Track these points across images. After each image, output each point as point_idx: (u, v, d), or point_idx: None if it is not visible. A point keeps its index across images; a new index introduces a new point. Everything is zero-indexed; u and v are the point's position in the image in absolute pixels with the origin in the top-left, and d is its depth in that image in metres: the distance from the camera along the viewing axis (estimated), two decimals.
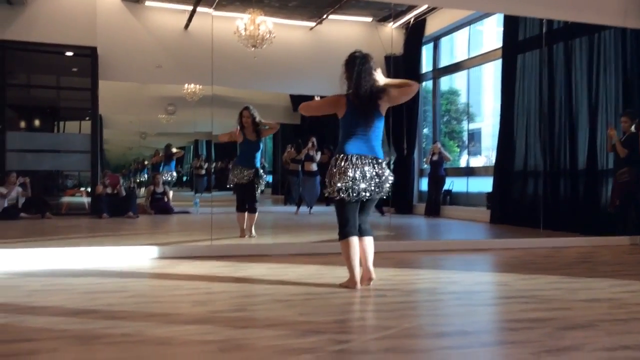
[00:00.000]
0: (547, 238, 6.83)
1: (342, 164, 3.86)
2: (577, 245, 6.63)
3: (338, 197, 3.87)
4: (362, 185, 3.85)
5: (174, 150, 10.53)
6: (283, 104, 10.17)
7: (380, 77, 3.97)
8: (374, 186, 3.89)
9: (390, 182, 3.97)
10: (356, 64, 3.90)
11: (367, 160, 3.88)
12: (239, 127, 6.64)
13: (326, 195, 3.97)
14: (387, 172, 3.97)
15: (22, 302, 3.44)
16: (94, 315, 3.13)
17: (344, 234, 3.93)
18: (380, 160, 3.94)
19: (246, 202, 6.63)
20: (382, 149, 4.01)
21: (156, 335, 2.74)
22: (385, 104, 3.98)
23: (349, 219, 3.93)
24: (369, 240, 4.00)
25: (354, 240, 3.91)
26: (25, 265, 4.81)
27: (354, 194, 3.85)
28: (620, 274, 4.80)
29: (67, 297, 3.60)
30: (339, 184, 3.84)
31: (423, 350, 2.64)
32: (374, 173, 3.89)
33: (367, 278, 3.97)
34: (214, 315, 3.17)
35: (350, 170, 3.83)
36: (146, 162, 10.71)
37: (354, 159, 3.86)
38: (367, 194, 3.89)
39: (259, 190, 6.69)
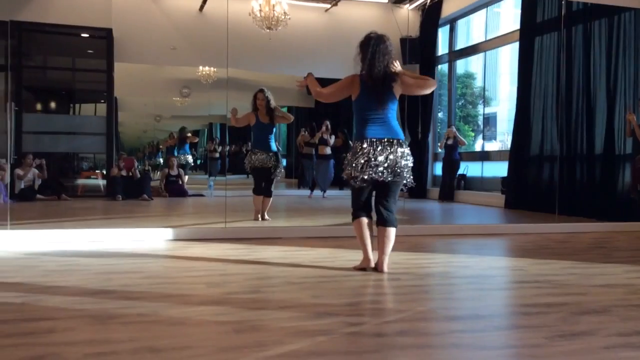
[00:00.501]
0: (562, 223, 6.78)
1: (364, 147, 3.83)
2: (592, 231, 6.59)
3: (354, 183, 3.87)
4: (380, 169, 3.82)
5: (189, 134, 10.55)
6: (298, 87, 10.12)
7: (398, 68, 3.93)
8: (394, 170, 3.85)
9: (409, 166, 3.92)
10: (370, 45, 3.87)
11: (386, 143, 3.85)
12: (252, 109, 6.64)
13: (344, 178, 3.95)
14: (408, 156, 3.91)
15: (39, 282, 3.49)
16: (109, 295, 3.17)
17: (354, 215, 3.97)
18: (401, 142, 3.90)
19: (265, 186, 6.64)
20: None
21: (171, 316, 2.77)
22: (399, 88, 3.94)
23: (360, 200, 3.94)
24: (390, 232, 3.93)
25: (363, 220, 3.93)
26: (41, 245, 4.87)
27: (371, 177, 3.83)
28: (636, 259, 4.76)
29: (83, 277, 3.65)
30: (358, 169, 3.82)
31: (436, 333, 2.64)
32: (394, 156, 3.83)
33: (379, 269, 3.93)
34: (229, 297, 3.19)
35: (371, 155, 3.81)
36: (160, 146, 10.75)
37: (375, 143, 3.83)
38: (387, 179, 3.85)
39: (278, 176, 6.71)
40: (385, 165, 3.81)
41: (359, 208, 3.95)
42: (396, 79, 3.90)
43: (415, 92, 4.09)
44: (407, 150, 3.91)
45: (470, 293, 3.48)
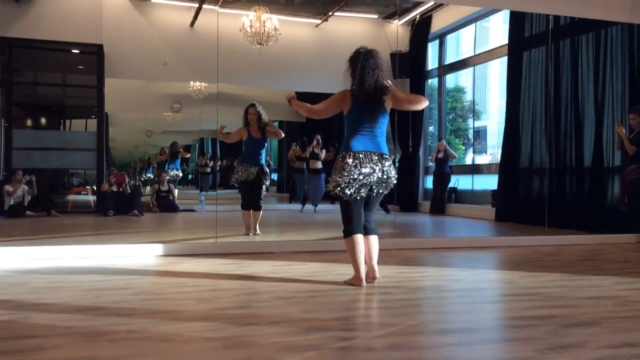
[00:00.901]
0: (552, 236, 6.81)
1: (349, 161, 3.86)
2: (582, 243, 6.61)
3: (343, 195, 3.87)
4: (367, 182, 3.85)
5: (181, 149, 10.55)
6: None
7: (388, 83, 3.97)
8: (379, 183, 3.89)
9: (394, 179, 3.97)
10: (360, 59, 3.90)
11: (373, 157, 3.88)
12: (243, 124, 6.66)
13: (330, 193, 3.96)
14: (393, 170, 3.97)
15: (27, 299, 3.46)
16: (98, 312, 3.14)
17: (349, 232, 3.93)
18: (385, 156, 3.94)
19: (251, 199, 6.63)
20: (387, 146, 4.01)
21: (160, 332, 2.75)
22: (389, 101, 3.97)
23: (353, 216, 3.93)
24: (374, 239, 4.01)
25: (359, 237, 3.92)
26: (30, 262, 4.83)
27: (359, 192, 3.85)
28: (626, 271, 4.78)
29: (72, 294, 3.62)
30: (344, 183, 3.84)
31: (427, 347, 2.64)
32: (380, 169, 3.88)
33: (371, 277, 3.99)
34: (219, 313, 3.18)
35: (356, 168, 3.83)
36: (152, 161, 10.73)
37: (360, 156, 3.86)
38: (373, 192, 3.90)
39: (264, 188, 6.70)
40: (369, 179, 3.84)
41: (354, 222, 3.95)
42: (387, 92, 3.93)
43: (405, 106, 4.13)
44: (390, 164, 3.97)
45: (461, 306, 3.48)
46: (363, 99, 3.90)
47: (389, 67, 8.27)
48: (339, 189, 3.86)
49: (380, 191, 3.94)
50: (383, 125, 3.98)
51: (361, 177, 3.83)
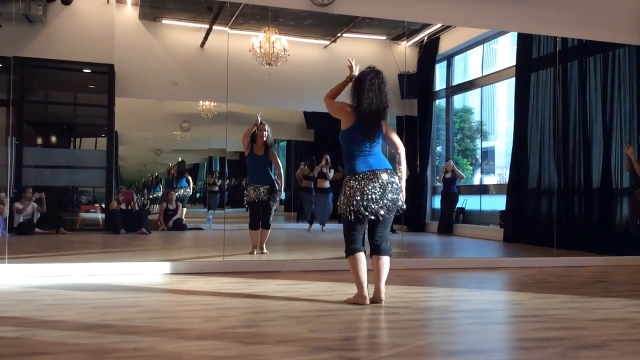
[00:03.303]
0: (560, 257, 6.77)
1: (355, 184, 3.89)
2: (591, 265, 6.57)
3: (352, 217, 3.89)
4: (377, 203, 3.86)
5: (186, 169, 10.60)
6: (297, 121, 10.22)
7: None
8: (389, 201, 3.90)
9: (401, 197, 3.98)
10: (365, 80, 3.96)
11: (381, 174, 3.91)
12: (250, 136, 6.71)
13: (343, 216, 3.98)
14: (396, 184, 3.98)
15: (36, 315, 3.47)
16: (106, 329, 3.15)
17: (350, 251, 3.96)
18: (390, 171, 3.98)
19: (260, 218, 6.65)
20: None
21: (168, 351, 2.75)
22: (384, 126, 4.05)
23: (355, 236, 3.96)
24: (385, 260, 3.99)
25: (360, 255, 3.93)
26: (39, 279, 4.86)
27: (368, 213, 3.87)
28: (635, 294, 4.74)
29: (80, 311, 3.63)
30: (353, 206, 3.86)
31: None
32: (389, 185, 3.90)
33: (376, 299, 3.95)
34: (226, 331, 3.18)
35: (365, 189, 3.85)
36: (160, 179, 10.77)
37: (368, 176, 3.89)
38: (381, 212, 3.90)
39: (274, 207, 6.72)
40: (381, 204, 3.86)
41: (356, 242, 3.96)
42: (383, 116, 4.00)
43: (389, 136, 4.12)
44: (396, 181, 3.99)
45: (469, 327, 3.46)
46: (367, 118, 3.93)
47: (397, 88, 8.31)
48: (350, 212, 3.87)
49: (390, 210, 3.95)
50: (379, 145, 4.05)
51: (373, 196, 3.85)
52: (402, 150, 4.15)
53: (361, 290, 3.93)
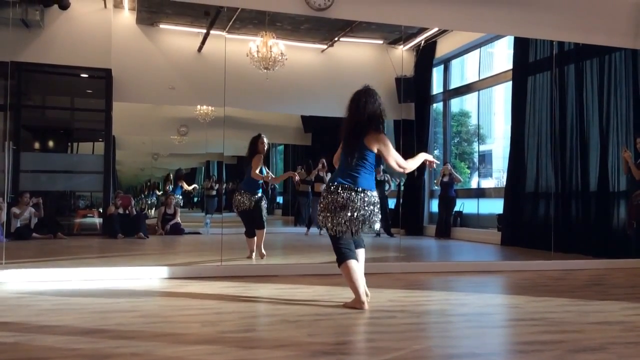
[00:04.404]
0: (558, 260, 6.78)
1: (328, 196, 3.97)
2: (589, 268, 6.58)
3: (331, 233, 4.00)
4: (347, 217, 3.92)
5: (188, 187, 10.63)
6: (294, 125, 10.23)
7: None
8: (362, 217, 3.96)
9: (370, 214, 4.00)
10: (356, 99, 4.06)
11: (347, 189, 3.95)
12: (254, 154, 6.70)
13: (328, 232, 4.03)
14: (364, 202, 3.98)
15: (33, 321, 3.46)
16: (104, 334, 3.14)
17: (342, 258, 4.00)
18: (359, 189, 3.96)
19: (253, 224, 6.65)
20: (369, 179, 4.03)
21: (166, 355, 2.75)
22: (372, 141, 4.00)
23: (343, 243, 4.01)
24: (360, 252, 4.13)
25: (353, 262, 3.97)
26: (36, 284, 4.85)
27: (343, 229, 3.94)
28: (633, 296, 4.75)
29: (78, 316, 3.62)
30: (329, 222, 3.96)
31: None
32: (357, 202, 3.93)
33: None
34: (223, 336, 3.17)
35: (336, 204, 3.92)
36: (160, 187, 10.79)
37: (337, 189, 3.96)
38: (354, 228, 3.96)
39: (264, 205, 6.72)
40: (361, 219, 3.94)
41: (346, 248, 4.00)
42: (365, 132, 3.98)
43: (385, 156, 4.08)
44: (371, 195, 3.99)
45: (467, 331, 3.46)
46: (346, 135, 4.02)
47: (394, 92, 8.32)
48: (327, 225, 3.98)
49: (364, 225, 3.99)
50: (363, 161, 4.00)
51: (341, 215, 3.92)
52: (401, 169, 4.16)
53: (358, 296, 3.95)
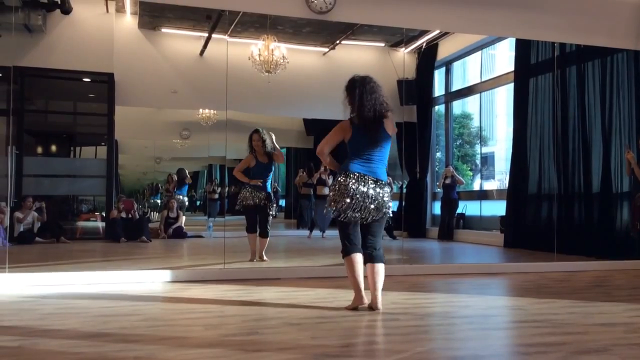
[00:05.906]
0: (561, 262, 6.77)
1: (341, 179, 3.91)
2: (591, 269, 6.56)
3: (337, 214, 3.92)
4: (361, 204, 3.86)
5: (188, 176, 10.62)
6: (296, 128, 10.25)
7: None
8: (374, 207, 3.90)
9: (388, 206, 3.98)
10: (356, 86, 3.96)
11: (368, 181, 3.91)
12: (249, 151, 6.72)
13: (332, 216, 3.98)
14: (387, 196, 3.98)
15: (36, 325, 3.47)
16: (106, 338, 3.15)
17: (347, 251, 3.96)
18: (381, 182, 3.96)
19: (257, 224, 6.64)
20: (390, 173, 4.04)
21: (169, 359, 2.75)
22: (390, 124, 4.00)
23: (350, 237, 3.96)
24: (379, 267, 3.98)
25: (357, 256, 3.94)
26: (39, 288, 4.85)
27: (354, 214, 3.87)
28: (636, 298, 4.74)
29: (81, 320, 3.63)
30: (339, 204, 3.86)
31: None
32: (374, 194, 3.90)
33: (373, 306, 3.95)
34: (226, 339, 3.17)
35: (350, 187, 3.85)
36: (161, 190, 10.79)
37: (355, 176, 3.89)
38: (368, 218, 3.91)
39: (271, 215, 6.71)
40: (372, 207, 3.87)
41: (352, 243, 3.96)
42: (387, 115, 3.96)
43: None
44: (386, 190, 3.99)
45: (470, 333, 3.46)
46: (363, 124, 3.94)
47: (395, 94, 8.32)
48: (334, 208, 3.88)
49: (375, 217, 3.95)
50: (384, 149, 4.01)
51: (357, 196, 3.85)
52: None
53: (358, 293, 3.95)
